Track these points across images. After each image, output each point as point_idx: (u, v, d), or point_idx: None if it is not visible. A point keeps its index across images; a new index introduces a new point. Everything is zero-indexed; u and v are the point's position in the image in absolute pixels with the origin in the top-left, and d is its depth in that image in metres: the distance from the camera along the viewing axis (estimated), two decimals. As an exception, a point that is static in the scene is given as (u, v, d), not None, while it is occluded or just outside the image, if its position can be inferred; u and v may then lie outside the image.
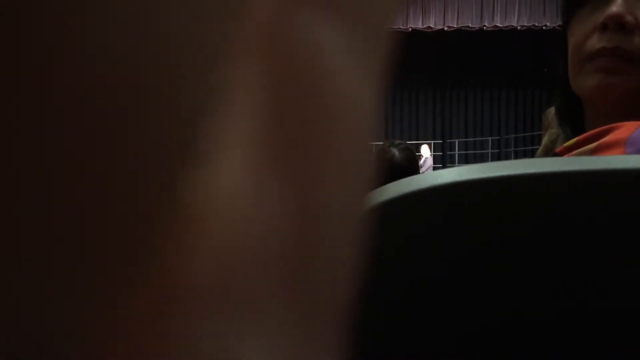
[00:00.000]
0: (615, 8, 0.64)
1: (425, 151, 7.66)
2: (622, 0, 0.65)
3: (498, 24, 9.27)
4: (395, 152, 2.09)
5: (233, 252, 0.09)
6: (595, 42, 0.66)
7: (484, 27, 9.31)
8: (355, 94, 0.10)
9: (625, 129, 0.55)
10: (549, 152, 1.48)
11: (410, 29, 8.98)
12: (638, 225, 0.37)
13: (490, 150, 9.99)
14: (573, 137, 0.59)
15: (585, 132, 0.59)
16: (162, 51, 0.07)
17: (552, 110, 1.60)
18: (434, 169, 7.31)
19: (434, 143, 9.40)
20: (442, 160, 9.45)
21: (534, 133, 9.86)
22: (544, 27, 9.22)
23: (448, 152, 9.96)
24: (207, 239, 0.08)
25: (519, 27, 9.29)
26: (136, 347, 0.08)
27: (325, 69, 0.09)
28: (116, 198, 0.07)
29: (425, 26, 9.12)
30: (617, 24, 0.64)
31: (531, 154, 9.49)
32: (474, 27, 9.33)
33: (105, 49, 0.06)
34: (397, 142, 2.19)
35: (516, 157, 9.62)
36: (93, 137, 0.06)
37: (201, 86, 0.07)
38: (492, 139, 10.12)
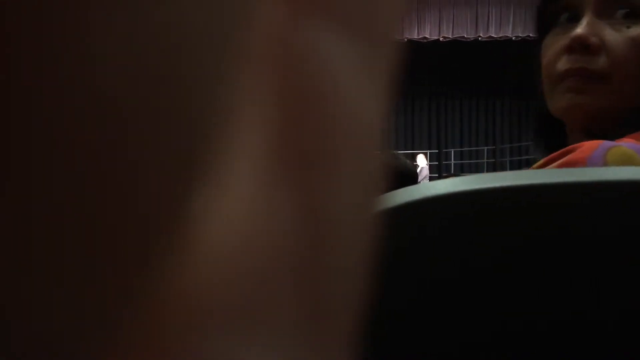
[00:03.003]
0: (579, 30, 0.66)
1: (421, 160, 7.66)
2: (587, 22, 0.66)
3: (493, 35, 9.32)
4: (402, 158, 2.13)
5: (243, 266, 0.09)
6: (562, 64, 0.68)
7: (479, 38, 9.36)
8: (363, 105, 0.10)
9: (585, 149, 0.56)
10: None
11: (405, 39, 9.03)
12: (630, 236, 0.37)
13: (485, 160, 10.00)
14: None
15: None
16: (169, 61, 0.07)
17: None
18: (430, 178, 7.32)
19: (429, 152, 9.42)
20: (437, 170, 9.46)
21: (529, 143, 9.87)
22: (538, 38, 9.26)
23: (444, 162, 9.97)
24: (216, 253, 0.08)
25: (513, 38, 9.34)
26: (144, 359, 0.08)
27: (334, 80, 0.09)
28: (122, 212, 0.07)
29: (420, 36, 9.16)
30: (581, 46, 0.66)
31: (526, 163, 9.51)
32: (469, 38, 9.37)
33: (110, 54, 0.06)
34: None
35: (511, 166, 9.64)
36: (97, 147, 0.06)
37: (210, 98, 0.07)
38: (487, 149, 10.13)
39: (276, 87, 0.09)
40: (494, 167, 9.80)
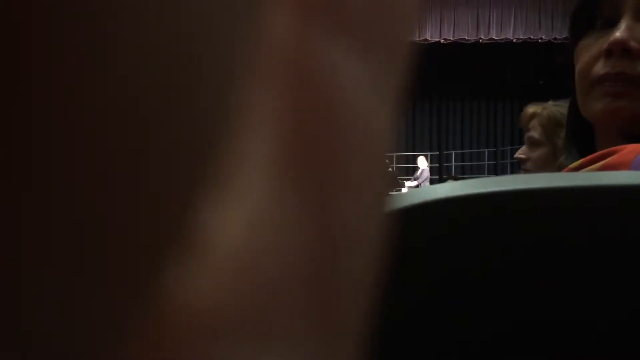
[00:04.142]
0: (619, 34, 0.65)
1: (422, 163, 7.67)
2: (626, 26, 0.65)
3: (494, 37, 9.32)
4: None
5: (253, 277, 0.08)
6: (600, 68, 0.66)
7: (480, 40, 9.36)
8: (372, 113, 0.10)
9: (630, 151, 0.55)
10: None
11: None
12: (629, 240, 0.37)
13: (486, 162, 10.00)
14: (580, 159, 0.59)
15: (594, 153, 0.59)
16: (179, 72, 0.07)
17: (529, 109, 1.62)
18: (431, 180, 7.32)
19: (430, 154, 9.42)
20: (438, 172, 9.46)
21: (530, 145, 9.87)
22: (539, 40, 9.28)
23: (445, 164, 9.97)
24: (228, 260, 0.08)
25: (514, 40, 9.34)
26: None
27: (343, 89, 0.09)
28: (133, 215, 0.07)
29: (421, 39, 9.16)
30: (621, 50, 0.65)
31: (527, 166, 9.48)
32: (470, 40, 9.38)
33: (122, 62, 0.06)
34: None
35: (512, 168, 9.65)
36: (107, 152, 0.06)
37: (220, 106, 0.07)
38: (488, 151, 10.13)
39: (287, 96, 0.09)
40: (495, 169, 9.80)
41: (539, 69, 9.40)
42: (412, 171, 7.99)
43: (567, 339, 0.38)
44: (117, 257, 0.07)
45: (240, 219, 0.08)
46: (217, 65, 0.07)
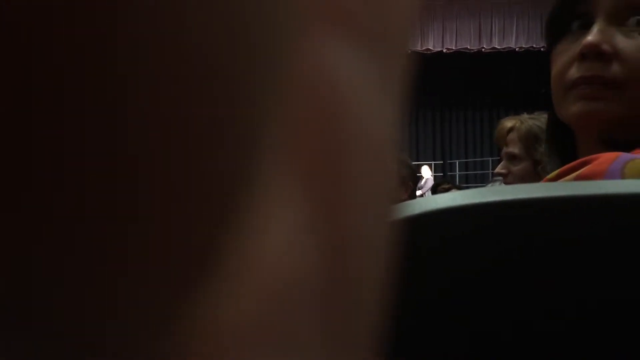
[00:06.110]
0: (591, 37, 0.65)
1: (426, 172, 7.65)
2: (599, 29, 0.66)
3: (496, 46, 9.33)
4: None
5: (277, 293, 0.09)
6: (574, 72, 0.67)
7: (483, 49, 9.37)
8: (380, 120, 0.10)
9: (603, 160, 0.55)
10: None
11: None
12: (627, 247, 0.37)
13: (490, 171, 9.97)
14: (562, 166, 0.60)
15: (576, 159, 0.59)
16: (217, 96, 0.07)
17: (506, 123, 1.61)
18: (435, 189, 7.30)
19: (434, 164, 9.40)
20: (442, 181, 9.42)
21: (534, 153, 9.85)
22: (541, 49, 9.28)
23: (449, 173, 9.95)
24: (255, 283, 0.08)
25: (517, 49, 9.35)
26: None
27: (353, 101, 0.09)
28: (168, 242, 0.07)
29: (424, 48, 9.18)
30: (594, 53, 0.65)
31: (531, 174, 9.45)
32: (472, 49, 9.39)
33: (152, 94, 0.06)
34: None
35: (517, 177, 9.58)
36: (145, 188, 0.06)
37: (254, 132, 0.07)
38: (492, 160, 10.10)
39: (302, 111, 0.09)
40: (499, 178, 9.75)
41: (541, 77, 9.40)
42: (416, 180, 7.95)
43: (565, 341, 0.38)
44: (153, 280, 0.07)
45: (271, 242, 0.09)
46: (255, 83, 0.07)
